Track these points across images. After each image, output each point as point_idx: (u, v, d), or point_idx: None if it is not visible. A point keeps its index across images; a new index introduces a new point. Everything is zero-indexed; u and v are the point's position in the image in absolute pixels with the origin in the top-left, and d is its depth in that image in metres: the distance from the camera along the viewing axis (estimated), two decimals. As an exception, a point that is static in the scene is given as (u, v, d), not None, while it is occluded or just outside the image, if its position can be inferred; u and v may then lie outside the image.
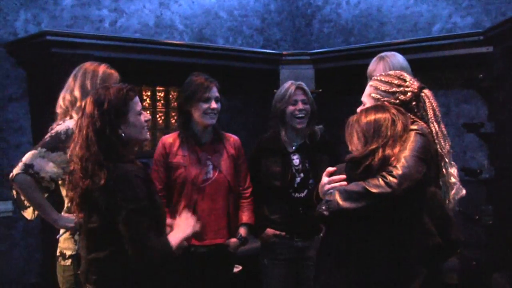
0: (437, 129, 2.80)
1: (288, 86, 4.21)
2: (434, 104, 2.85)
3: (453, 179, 2.79)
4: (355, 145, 2.71)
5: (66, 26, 5.27)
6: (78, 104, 3.44)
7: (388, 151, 2.53)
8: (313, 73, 6.40)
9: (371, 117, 2.67)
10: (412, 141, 2.57)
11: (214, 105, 3.87)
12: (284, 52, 6.56)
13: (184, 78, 4.03)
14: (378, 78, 2.96)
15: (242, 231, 4.05)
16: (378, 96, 2.89)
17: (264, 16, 6.99)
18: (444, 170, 2.78)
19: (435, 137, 2.78)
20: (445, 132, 2.85)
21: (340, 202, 2.52)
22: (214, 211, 3.91)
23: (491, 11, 5.57)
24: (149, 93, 6.11)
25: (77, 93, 3.45)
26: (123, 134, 2.78)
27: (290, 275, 4.20)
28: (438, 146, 2.77)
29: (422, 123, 2.77)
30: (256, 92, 6.63)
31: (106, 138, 2.72)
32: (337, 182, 2.68)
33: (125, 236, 2.64)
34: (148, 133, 2.97)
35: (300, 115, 4.12)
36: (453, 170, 2.81)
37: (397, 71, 3.01)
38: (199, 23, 6.32)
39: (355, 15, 6.68)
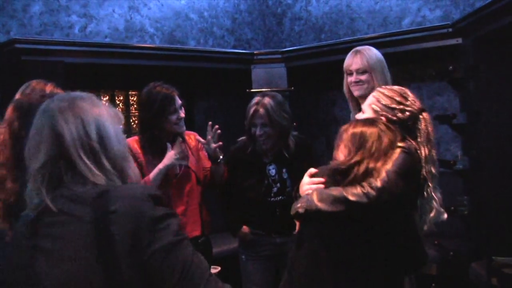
0: (426, 153, 2.81)
1: (252, 104, 4.10)
2: (430, 129, 2.88)
3: (434, 204, 2.83)
4: (339, 153, 2.74)
5: (36, 34, 5.23)
6: None
7: (371, 164, 2.57)
8: (285, 71, 6.42)
9: (359, 129, 2.70)
10: (396, 157, 2.60)
11: (182, 114, 3.86)
12: (256, 52, 6.58)
13: (157, 81, 3.99)
14: (382, 90, 2.99)
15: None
16: (378, 109, 2.91)
17: (235, 16, 6.99)
18: (426, 193, 2.81)
19: (423, 159, 2.80)
20: (434, 157, 2.87)
21: (317, 202, 2.55)
22: (189, 205, 3.91)
23: (459, 3, 5.62)
24: (121, 98, 6.10)
25: None
26: None
27: (269, 271, 4.19)
28: (424, 169, 2.80)
29: (412, 142, 2.80)
30: (229, 92, 6.64)
31: (21, 141, 2.70)
32: (316, 184, 2.70)
33: None
34: None
35: (260, 139, 4.08)
36: (437, 195, 2.84)
37: (402, 88, 3.01)
38: (170, 26, 6.31)
39: (325, 12, 6.70)
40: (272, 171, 4.14)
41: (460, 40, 5.12)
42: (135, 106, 6.19)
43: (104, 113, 1.91)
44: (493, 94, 4.83)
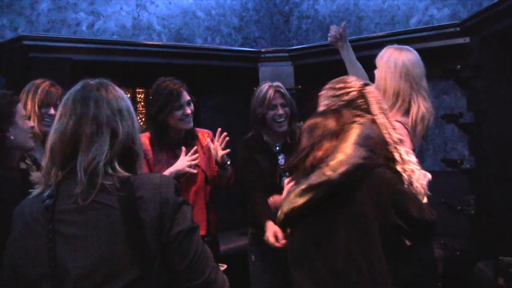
0: (382, 120, 2.86)
1: (266, 89, 4.17)
2: (377, 98, 2.93)
3: (411, 166, 2.84)
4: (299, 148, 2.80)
5: (43, 31, 5.24)
6: None
7: (318, 152, 2.63)
8: (292, 69, 6.43)
9: (310, 121, 2.79)
10: (351, 132, 2.66)
11: (188, 111, 3.85)
12: (263, 50, 6.59)
13: (167, 77, 4.01)
14: (324, 87, 3.07)
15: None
16: (328, 102, 2.99)
17: (242, 14, 6.99)
18: (398, 157, 2.82)
19: (382, 127, 2.83)
20: (392, 123, 2.91)
21: (289, 202, 2.63)
22: (196, 204, 3.91)
23: (467, 2, 5.61)
24: (129, 95, 6.10)
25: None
26: (12, 137, 2.81)
27: (278, 272, 4.18)
28: (386, 136, 2.82)
29: (369, 116, 2.84)
30: (236, 90, 6.64)
31: None
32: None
33: None
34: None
35: (279, 120, 4.12)
36: (411, 157, 2.86)
37: (343, 77, 3.09)
38: (177, 24, 6.31)
39: (333, 10, 6.69)
40: (282, 161, 4.17)
41: (467, 39, 5.11)
42: (142, 103, 6.20)
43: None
44: (500, 94, 4.83)
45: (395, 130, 2.87)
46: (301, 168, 2.67)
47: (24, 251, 1.92)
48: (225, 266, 2.85)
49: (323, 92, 3.04)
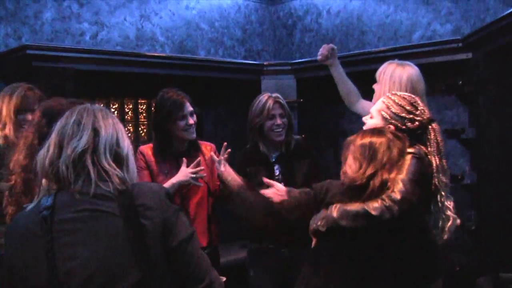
0: (437, 162, 2.87)
1: (265, 100, 4.20)
2: (439, 139, 2.93)
3: (450, 212, 2.86)
4: (349, 165, 2.75)
5: (47, 40, 5.25)
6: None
7: (385, 175, 2.59)
8: (295, 82, 6.43)
9: (367, 140, 2.73)
10: (408, 164, 2.64)
11: (191, 121, 3.91)
12: (266, 63, 6.61)
13: (172, 87, 4.03)
14: (392, 97, 3.02)
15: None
16: (387, 116, 2.95)
17: (245, 27, 7.00)
18: (439, 202, 2.85)
19: (435, 169, 2.84)
20: (445, 167, 2.91)
21: (338, 219, 2.57)
22: (197, 216, 3.93)
23: (469, 18, 5.60)
24: (131, 106, 6.11)
25: None
26: None
27: (277, 286, 4.18)
28: (436, 178, 2.83)
29: (421, 146, 2.83)
30: (238, 102, 6.63)
31: None
32: None
33: None
34: None
35: (278, 130, 4.13)
36: (450, 203, 2.88)
37: (412, 96, 3.06)
38: (180, 35, 6.32)
39: (336, 24, 6.69)
40: (276, 171, 4.18)
41: (470, 55, 5.11)
42: (144, 114, 6.20)
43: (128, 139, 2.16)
44: (502, 109, 4.82)
45: (445, 175, 2.89)
46: (366, 187, 2.63)
47: (22, 265, 1.93)
48: (224, 278, 2.85)
49: (387, 101, 3.00)
